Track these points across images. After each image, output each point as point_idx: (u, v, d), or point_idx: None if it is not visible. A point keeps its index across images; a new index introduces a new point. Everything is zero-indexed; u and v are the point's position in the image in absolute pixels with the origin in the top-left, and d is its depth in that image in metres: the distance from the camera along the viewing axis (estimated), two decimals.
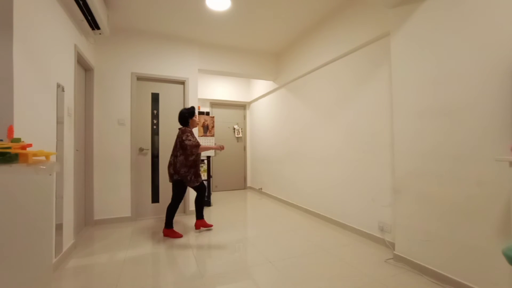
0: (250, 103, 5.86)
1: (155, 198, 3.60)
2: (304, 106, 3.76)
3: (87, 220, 3.15)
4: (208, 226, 2.96)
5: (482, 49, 1.57)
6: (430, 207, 1.86)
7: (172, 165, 2.72)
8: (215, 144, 2.65)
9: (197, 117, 2.89)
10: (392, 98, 2.25)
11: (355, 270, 1.98)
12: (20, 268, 0.98)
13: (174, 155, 2.75)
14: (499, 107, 1.49)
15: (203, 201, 2.96)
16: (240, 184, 5.77)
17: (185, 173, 2.71)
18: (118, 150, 3.36)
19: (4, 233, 0.91)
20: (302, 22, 3.31)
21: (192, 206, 3.69)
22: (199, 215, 2.93)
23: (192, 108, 2.83)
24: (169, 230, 2.75)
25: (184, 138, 2.65)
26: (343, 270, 1.98)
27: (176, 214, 3.66)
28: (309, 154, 3.64)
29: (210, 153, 4.20)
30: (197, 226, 2.93)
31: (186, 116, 2.78)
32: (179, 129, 2.79)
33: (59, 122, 2.13)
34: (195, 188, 2.87)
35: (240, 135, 5.77)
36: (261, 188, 5.27)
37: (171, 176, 2.73)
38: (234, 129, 5.75)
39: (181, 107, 3.75)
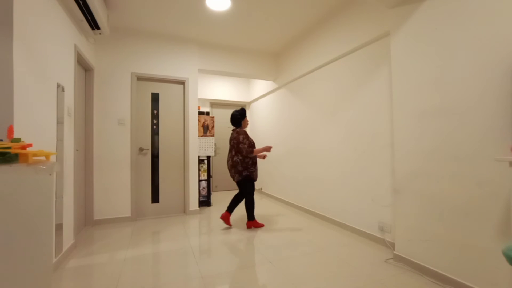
0: (250, 103, 5.86)
1: (155, 198, 3.60)
2: (304, 106, 3.76)
3: (87, 220, 3.15)
4: (260, 226, 3.05)
5: (483, 49, 1.57)
6: (430, 207, 1.86)
7: (238, 163, 2.90)
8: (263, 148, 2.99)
9: (247, 118, 3.11)
10: (392, 98, 2.25)
11: (355, 270, 1.98)
12: (20, 268, 0.98)
13: (235, 154, 2.93)
14: (499, 107, 1.49)
15: (253, 201, 3.06)
16: None
17: (253, 170, 2.95)
18: (118, 150, 3.36)
19: (4, 233, 0.91)
20: (302, 22, 3.31)
21: (192, 207, 3.69)
22: (251, 216, 3.02)
23: (242, 110, 3.04)
24: (252, 221, 3.00)
25: (241, 140, 2.87)
26: (343, 270, 1.98)
27: (175, 214, 3.66)
28: (309, 154, 3.63)
29: (210, 153, 4.20)
30: (248, 226, 3.03)
31: (239, 117, 3.00)
32: (233, 130, 3.02)
33: (59, 122, 2.13)
34: (248, 186, 2.99)
35: None
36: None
37: (240, 173, 2.91)
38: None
39: (181, 107, 3.75)
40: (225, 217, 3.02)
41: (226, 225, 3.13)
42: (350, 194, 2.88)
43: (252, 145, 2.97)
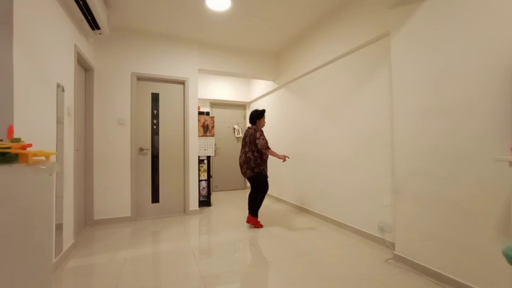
0: (250, 103, 5.86)
1: (155, 198, 3.60)
2: (304, 106, 3.76)
3: (87, 220, 3.15)
4: (259, 227, 3.05)
5: (483, 49, 1.57)
6: (430, 207, 1.86)
7: (251, 160, 2.99)
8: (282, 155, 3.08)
9: (264, 118, 3.22)
10: (392, 98, 2.25)
11: (355, 270, 1.98)
12: (20, 268, 0.98)
13: (249, 151, 3.02)
14: (500, 107, 1.49)
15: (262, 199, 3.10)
16: (240, 184, 5.77)
17: (263, 167, 3.05)
18: (118, 150, 3.35)
19: (4, 233, 0.91)
20: (302, 22, 3.31)
21: (192, 207, 3.70)
22: (255, 212, 3.05)
23: (261, 111, 3.16)
24: (254, 218, 3.05)
25: (257, 136, 2.97)
26: (343, 270, 1.98)
27: (175, 214, 3.66)
28: (309, 154, 3.63)
29: (210, 153, 4.20)
30: (248, 220, 3.07)
31: (255, 117, 3.15)
32: (250, 128, 3.09)
33: (59, 122, 2.13)
34: (263, 184, 3.07)
35: (240, 135, 5.77)
36: None
37: (251, 170, 2.99)
38: (234, 129, 5.75)
39: (181, 107, 3.75)
40: (251, 220, 3.09)
41: (226, 225, 3.13)
42: (350, 194, 2.88)
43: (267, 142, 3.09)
